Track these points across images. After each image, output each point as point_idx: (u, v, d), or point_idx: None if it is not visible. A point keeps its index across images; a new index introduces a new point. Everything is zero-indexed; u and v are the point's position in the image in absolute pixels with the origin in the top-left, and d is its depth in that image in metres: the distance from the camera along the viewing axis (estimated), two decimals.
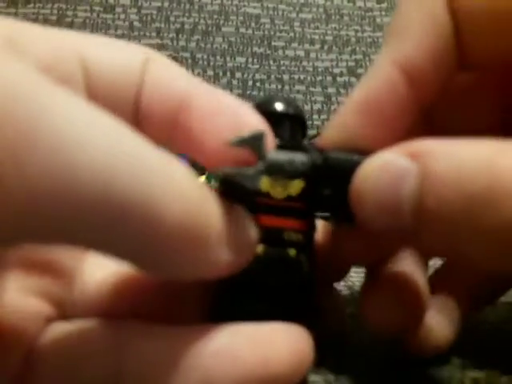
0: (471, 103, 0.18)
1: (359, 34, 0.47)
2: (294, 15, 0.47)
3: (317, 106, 0.45)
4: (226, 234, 0.13)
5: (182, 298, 0.16)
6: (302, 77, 0.46)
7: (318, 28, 0.47)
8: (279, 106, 0.17)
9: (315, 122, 0.44)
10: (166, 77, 0.15)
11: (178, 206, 0.11)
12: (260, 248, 0.16)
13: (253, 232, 0.15)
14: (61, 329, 0.15)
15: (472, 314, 0.19)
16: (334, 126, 0.17)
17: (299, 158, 0.16)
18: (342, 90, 0.45)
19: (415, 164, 0.13)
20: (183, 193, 0.11)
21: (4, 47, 0.13)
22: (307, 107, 0.45)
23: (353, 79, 0.46)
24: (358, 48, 0.47)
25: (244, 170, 0.14)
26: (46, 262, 0.16)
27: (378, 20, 0.48)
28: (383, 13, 0.48)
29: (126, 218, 0.10)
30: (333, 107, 0.45)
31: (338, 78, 0.46)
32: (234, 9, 0.47)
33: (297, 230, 0.16)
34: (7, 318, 0.14)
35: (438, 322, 0.18)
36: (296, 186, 0.16)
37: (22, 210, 0.09)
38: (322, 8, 0.48)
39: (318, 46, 0.47)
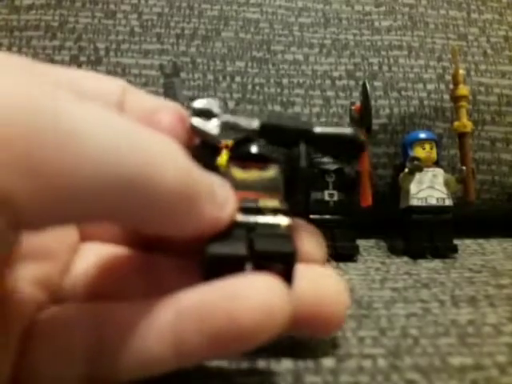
0: None
1: (358, 38, 0.48)
2: (292, 19, 0.48)
3: (316, 110, 0.45)
4: (211, 193, 0.16)
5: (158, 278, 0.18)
6: (301, 80, 0.46)
7: (316, 32, 0.48)
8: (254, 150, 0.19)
9: None
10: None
11: (174, 171, 0.14)
12: (240, 217, 0.17)
13: (231, 192, 0.17)
14: (52, 312, 0.16)
15: None
16: None
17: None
18: (341, 94, 0.46)
19: None
20: (177, 163, 0.15)
21: None
22: (306, 110, 0.45)
23: (352, 82, 0.46)
24: (356, 52, 0.47)
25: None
26: (43, 252, 0.18)
27: (377, 24, 0.49)
28: (381, 16, 0.49)
29: (137, 188, 0.13)
30: (332, 110, 0.46)
31: (337, 82, 0.46)
32: (234, 14, 0.48)
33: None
34: (6, 304, 0.16)
35: None
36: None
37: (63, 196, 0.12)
38: (321, 12, 0.49)
39: (316, 50, 0.47)
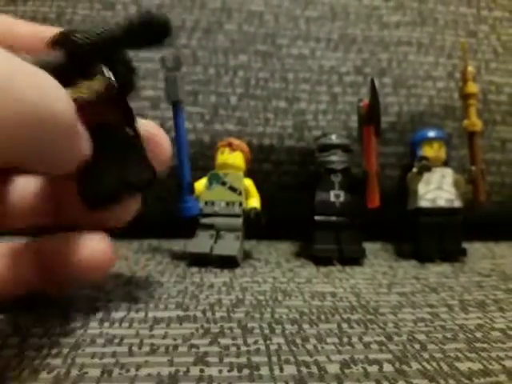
0: None
1: (366, 33, 0.49)
2: (298, 12, 0.49)
3: (322, 106, 0.46)
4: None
5: None
6: (306, 76, 0.47)
7: (323, 26, 0.48)
8: None
9: (320, 123, 0.46)
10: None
11: (62, 106, 0.15)
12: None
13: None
14: None
15: None
16: None
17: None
18: (348, 90, 0.47)
19: None
20: (62, 97, 0.15)
21: None
22: (312, 107, 0.46)
23: (360, 78, 0.47)
24: (364, 47, 0.48)
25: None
26: None
27: (385, 18, 0.49)
28: (390, 11, 0.50)
29: (34, 124, 0.14)
30: (338, 107, 0.46)
31: (345, 78, 0.47)
32: (237, 6, 0.48)
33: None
34: None
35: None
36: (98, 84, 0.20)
37: None
38: (328, 5, 0.49)
39: (323, 45, 0.48)
